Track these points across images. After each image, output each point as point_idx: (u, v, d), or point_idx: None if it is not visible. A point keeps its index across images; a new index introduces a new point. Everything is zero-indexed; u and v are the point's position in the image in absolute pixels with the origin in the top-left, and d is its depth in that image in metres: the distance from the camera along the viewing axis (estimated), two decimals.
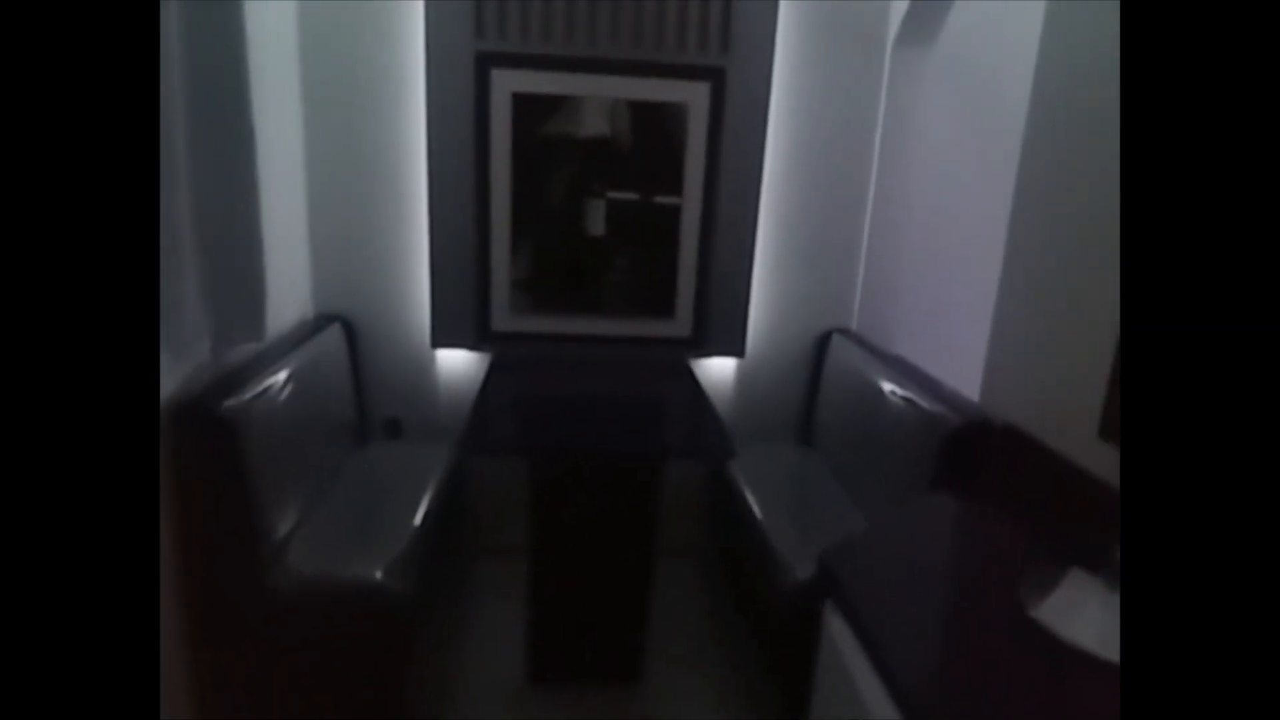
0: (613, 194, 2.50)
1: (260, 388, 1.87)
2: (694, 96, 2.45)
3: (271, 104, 2.11)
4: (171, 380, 1.65)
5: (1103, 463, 1.47)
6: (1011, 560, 1.38)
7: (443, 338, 2.54)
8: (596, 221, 2.52)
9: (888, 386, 2.17)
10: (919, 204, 2.63)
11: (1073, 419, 1.55)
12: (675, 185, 2.51)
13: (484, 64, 2.36)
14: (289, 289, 2.31)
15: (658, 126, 2.46)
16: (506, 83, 2.38)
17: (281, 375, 2.00)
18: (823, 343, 2.68)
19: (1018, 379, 1.78)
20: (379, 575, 1.81)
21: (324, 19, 2.32)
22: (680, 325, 2.61)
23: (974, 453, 1.80)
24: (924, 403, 1.97)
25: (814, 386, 2.68)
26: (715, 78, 2.43)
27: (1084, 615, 1.14)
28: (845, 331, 2.66)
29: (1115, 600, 1.16)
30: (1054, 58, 1.68)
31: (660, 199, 2.52)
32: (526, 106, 2.41)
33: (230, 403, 1.71)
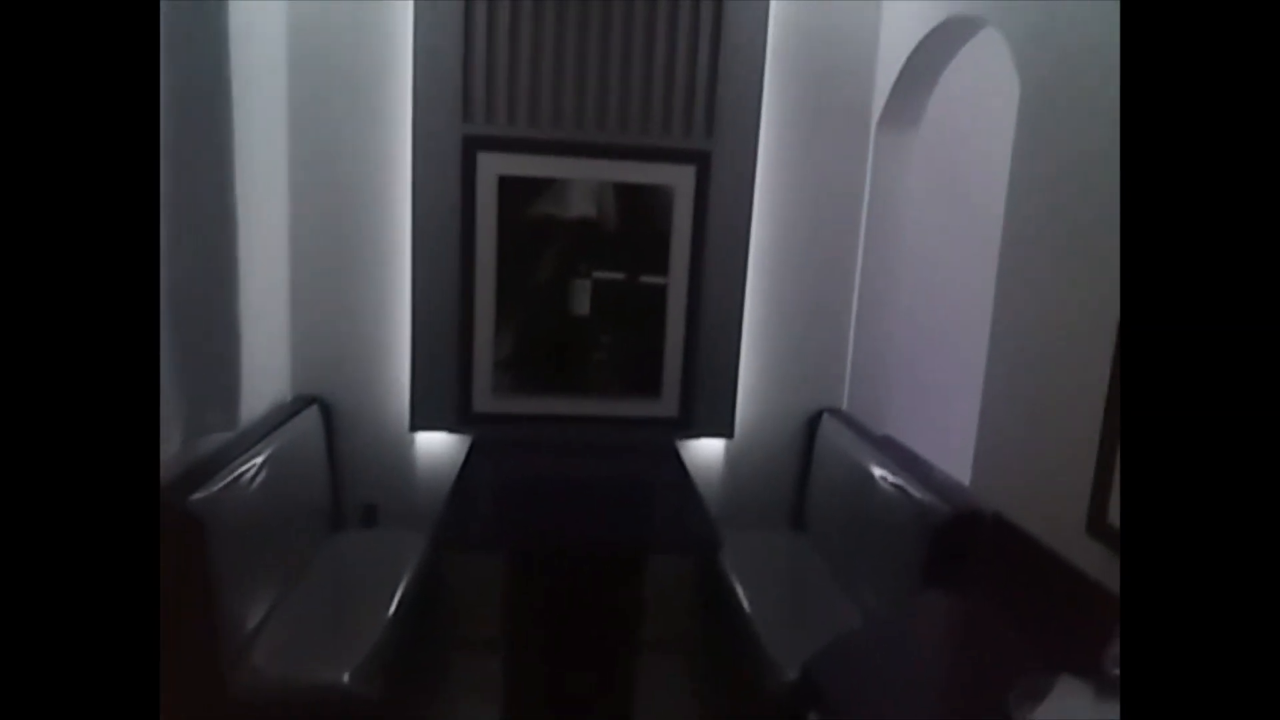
0: (599, 274, 2.49)
1: (231, 477, 1.80)
2: (679, 179, 2.46)
3: (257, 182, 2.11)
4: None
5: (1093, 560, 1.42)
6: (1002, 667, 1.31)
7: (422, 420, 2.49)
8: (582, 301, 2.50)
9: (878, 471, 2.12)
10: (906, 283, 2.63)
11: (1062, 513, 1.50)
12: (661, 265, 2.51)
13: (471, 147, 2.37)
14: (267, 369, 2.27)
15: (644, 208, 2.47)
16: (493, 166, 2.39)
17: (255, 462, 1.94)
18: (813, 423, 2.63)
19: (1006, 468, 1.74)
20: (346, 679, 1.71)
21: (312, 99, 2.34)
22: (667, 405, 2.57)
23: (965, 545, 1.75)
24: (915, 491, 1.91)
25: (805, 469, 2.62)
26: (700, 161, 2.45)
27: None
28: (836, 411, 2.62)
29: (1106, 709, 1.10)
30: (1031, 142, 1.69)
31: (646, 279, 2.51)
32: (513, 189, 2.41)
33: (198, 496, 1.65)
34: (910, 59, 2.27)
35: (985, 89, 2.41)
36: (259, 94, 2.13)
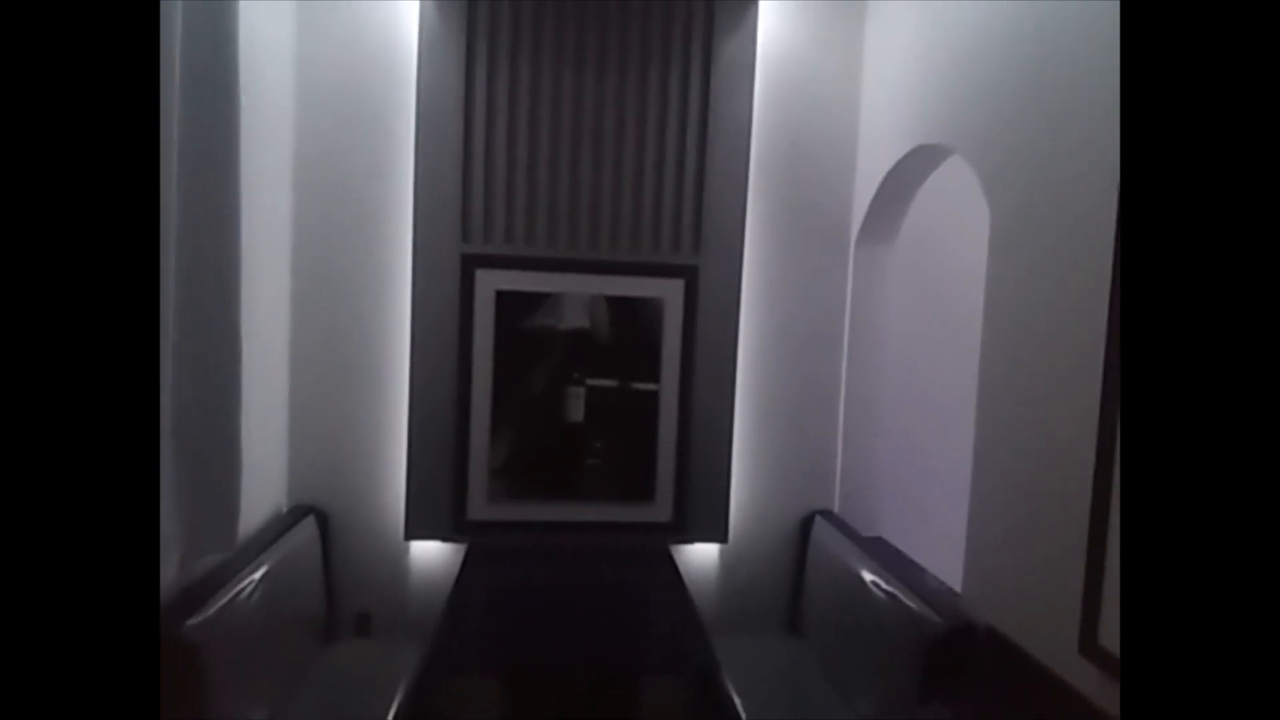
0: (592, 381, 2.57)
1: (227, 597, 1.81)
2: (669, 292, 2.57)
3: (261, 296, 2.19)
4: None
5: (1087, 680, 1.44)
6: None
7: (417, 528, 2.51)
8: (576, 408, 2.57)
9: (870, 578, 2.15)
10: (890, 387, 2.71)
11: (1053, 630, 1.53)
12: (653, 373, 2.58)
13: (469, 265, 2.48)
14: (265, 479, 2.30)
15: (635, 319, 2.56)
16: (491, 282, 2.50)
17: (252, 579, 1.95)
18: (806, 525, 2.66)
19: (996, 581, 1.77)
20: None
21: (317, 219, 2.46)
22: (660, 510, 2.60)
23: (960, 659, 1.76)
24: (909, 601, 1.94)
25: (799, 572, 2.64)
26: (689, 275, 2.56)
27: None
28: (827, 514, 2.66)
29: None
30: (1002, 264, 1.79)
31: (639, 386, 2.58)
32: (509, 303, 2.51)
33: (194, 621, 1.65)
34: (885, 180, 2.42)
35: (960, 204, 2.55)
36: (265, 217, 2.24)
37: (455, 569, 2.40)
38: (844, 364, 2.67)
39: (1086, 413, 1.47)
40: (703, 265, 2.57)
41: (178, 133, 1.58)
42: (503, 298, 2.51)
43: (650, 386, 2.59)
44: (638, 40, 2.48)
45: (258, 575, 1.98)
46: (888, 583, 2.06)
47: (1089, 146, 1.49)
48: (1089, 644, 1.42)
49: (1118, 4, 1.41)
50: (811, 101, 2.62)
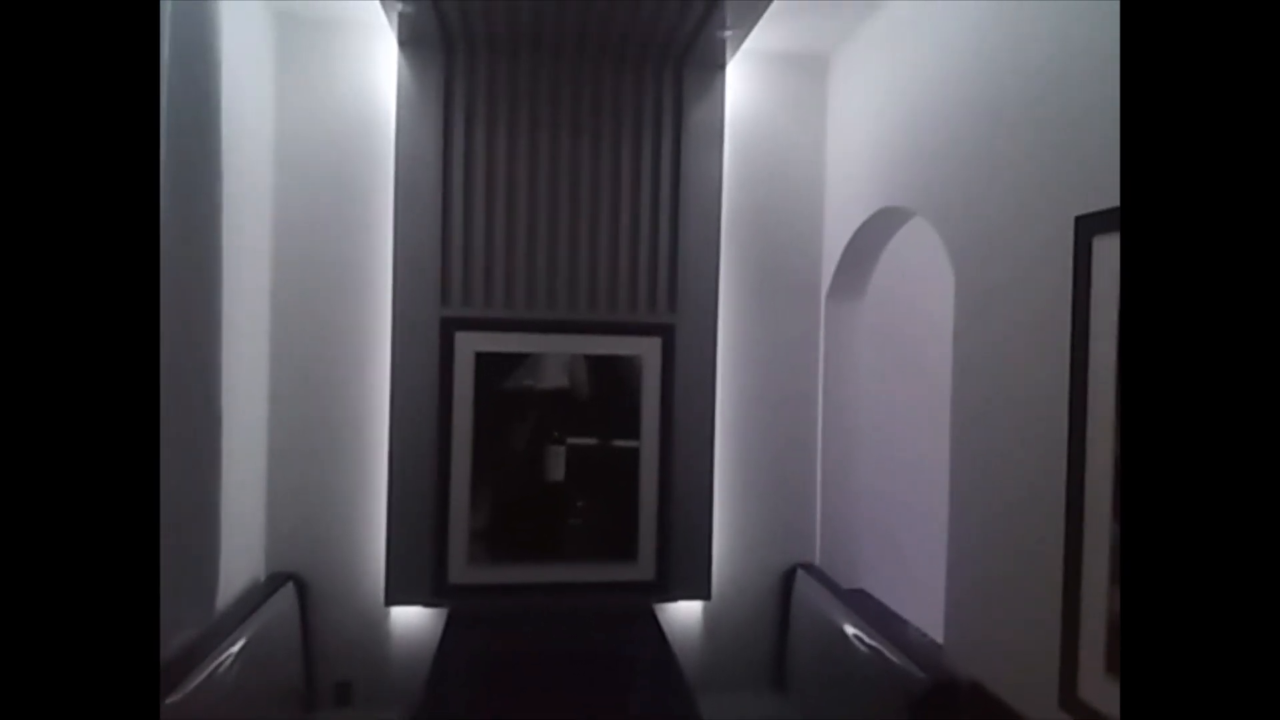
0: (572, 440, 2.59)
1: (205, 673, 1.78)
2: (647, 350, 2.61)
3: (241, 363, 2.20)
4: None
5: None
6: None
7: (398, 593, 2.48)
8: (556, 467, 2.58)
9: (853, 631, 2.16)
10: (866, 438, 2.75)
11: (1034, 682, 1.55)
12: (633, 430, 2.61)
13: (449, 327, 2.51)
14: (243, 547, 2.28)
15: (614, 377, 2.60)
16: (470, 343, 2.53)
17: (230, 652, 1.92)
18: (788, 579, 2.67)
19: (977, 631, 1.79)
20: None
21: (295, 280, 2.49)
22: (643, 569, 2.60)
23: (943, 714, 1.77)
24: (891, 655, 1.95)
25: (782, 628, 2.64)
26: (665, 333, 2.61)
27: None
28: (809, 566, 2.67)
29: None
30: (968, 321, 1.86)
31: (619, 443, 2.61)
32: (489, 364, 2.54)
33: (172, 700, 1.63)
34: (852, 239, 2.50)
35: (928, 259, 2.63)
36: (245, 282, 2.26)
37: (437, 634, 2.38)
38: (819, 417, 2.72)
39: (1054, 463, 1.51)
40: (679, 323, 2.62)
41: (163, 203, 1.61)
42: (482, 359, 2.53)
43: (630, 444, 2.61)
44: (611, 106, 2.56)
45: (236, 648, 1.95)
46: (870, 636, 2.08)
47: (1047, 207, 1.56)
48: (1069, 697, 1.45)
49: (1073, 64, 1.50)
50: (779, 164, 2.71)
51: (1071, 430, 1.47)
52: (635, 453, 2.61)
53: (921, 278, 2.75)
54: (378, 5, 2.21)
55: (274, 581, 2.38)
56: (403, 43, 2.44)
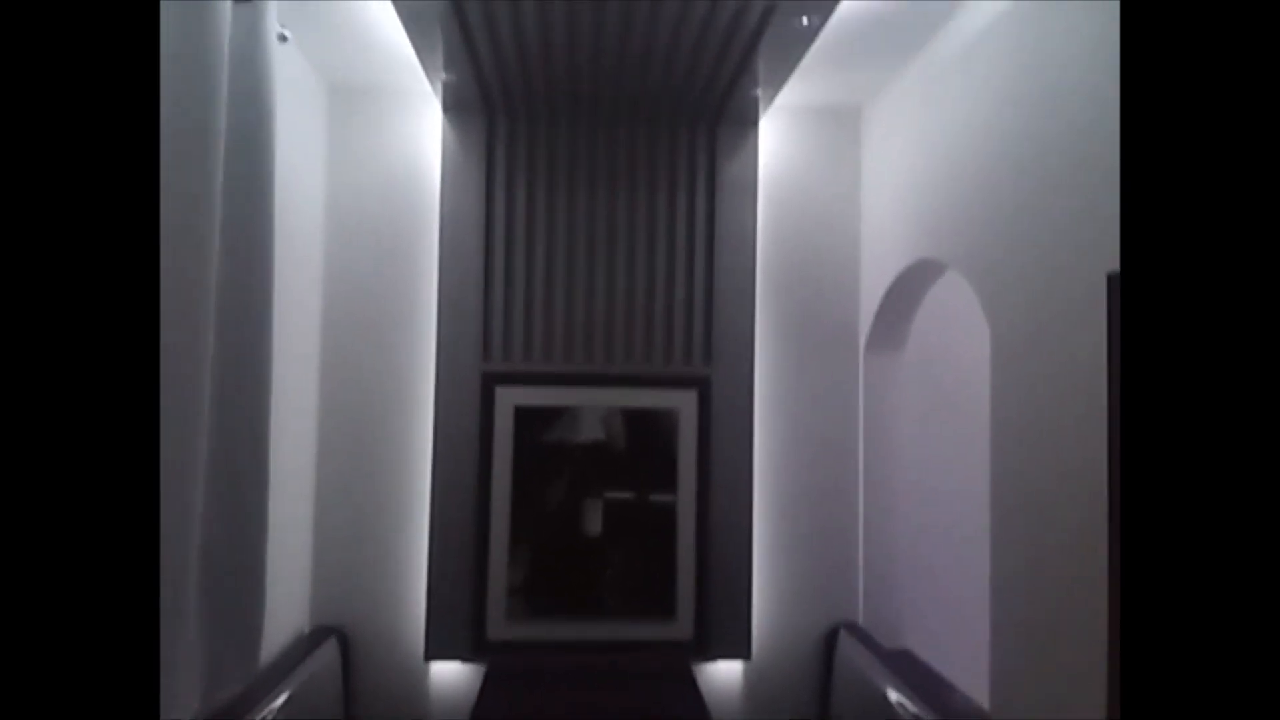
0: (609, 494, 2.59)
1: None
2: (683, 403, 2.61)
3: (288, 417, 2.26)
4: None
5: None
6: None
7: (437, 649, 2.49)
8: (594, 521, 2.58)
9: (896, 697, 2.08)
10: (908, 493, 2.69)
11: None
12: (670, 484, 2.60)
13: (489, 382, 2.56)
14: (288, 600, 2.32)
15: (651, 430, 2.60)
16: (510, 398, 2.57)
17: (272, 707, 1.94)
18: (830, 639, 2.60)
19: (1024, 695, 1.72)
20: None
21: (344, 339, 2.57)
22: (682, 628, 2.56)
23: None
24: None
25: (824, 691, 2.56)
26: (702, 385, 2.61)
27: None
28: (852, 626, 2.60)
29: None
30: (1005, 375, 1.82)
31: (656, 497, 2.60)
32: (528, 418, 2.57)
33: None
34: (889, 291, 2.48)
35: (967, 308, 2.59)
36: (295, 340, 2.34)
37: (475, 690, 2.38)
38: (860, 469, 2.67)
39: (1098, 518, 1.46)
40: (715, 376, 2.62)
41: (216, 262, 1.68)
42: (521, 413, 2.57)
43: (668, 498, 2.60)
44: (646, 163, 2.62)
45: (279, 702, 1.98)
46: (913, 703, 2.00)
47: (1079, 263, 1.54)
48: None
49: (1106, 119, 1.48)
50: (815, 216, 2.72)
51: (1111, 489, 1.42)
52: (672, 507, 2.60)
53: (963, 327, 2.70)
54: (423, 75, 2.32)
55: (317, 636, 2.42)
56: (447, 109, 2.55)
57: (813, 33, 1.92)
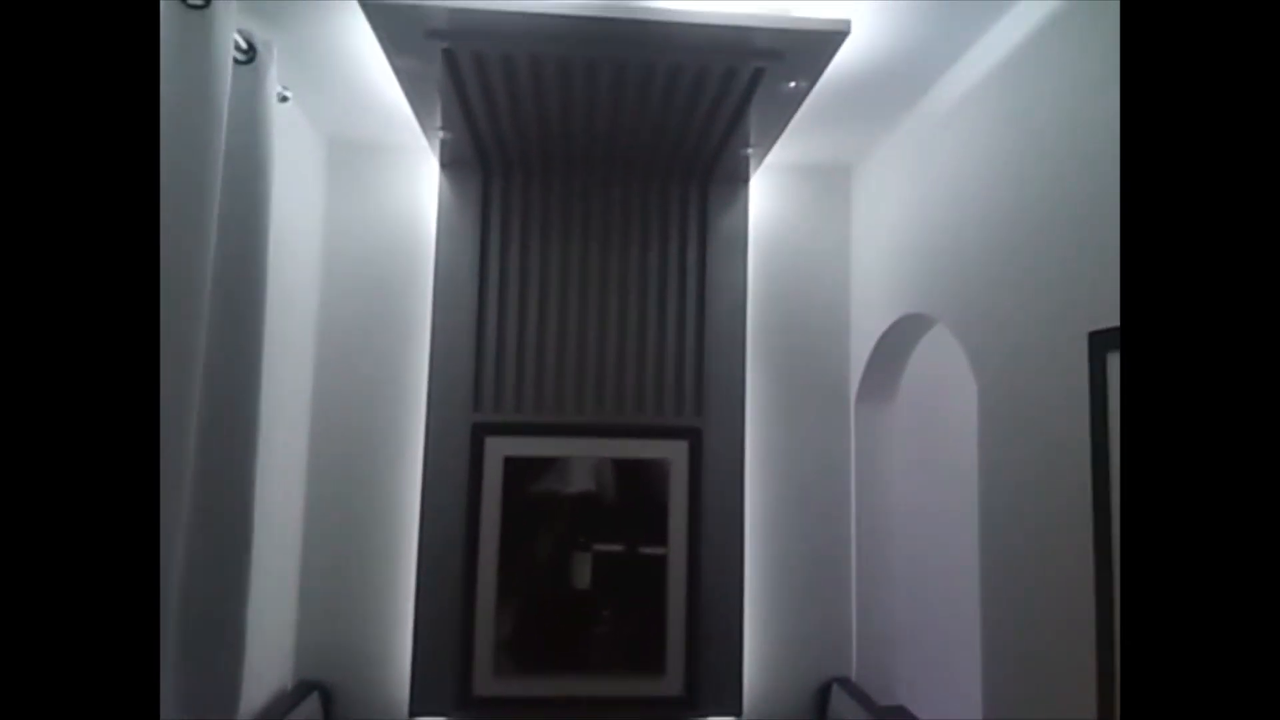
0: (599, 546, 2.57)
1: None
2: (674, 453, 2.61)
3: (277, 474, 2.26)
4: None
5: None
6: None
7: (422, 705, 2.44)
8: (583, 575, 2.55)
9: None
10: (901, 546, 2.68)
11: None
12: (661, 536, 2.58)
13: (479, 433, 2.56)
14: (270, 655, 2.29)
15: (642, 481, 2.60)
16: (500, 448, 2.56)
17: None
18: (823, 695, 2.57)
19: None
20: None
21: (336, 390, 2.58)
22: (672, 683, 2.52)
23: None
24: None
25: None
26: (692, 436, 2.62)
27: None
28: (845, 681, 2.56)
29: None
30: (993, 428, 1.83)
31: (646, 550, 2.58)
32: (518, 469, 2.56)
33: None
34: (879, 343, 2.51)
35: (958, 360, 2.62)
36: (285, 389, 2.35)
37: None
38: (853, 523, 2.66)
39: (1086, 575, 1.46)
40: (706, 426, 2.63)
41: (207, 316, 1.69)
42: (511, 464, 2.56)
43: (658, 550, 2.58)
44: (638, 219, 2.67)
45: None
46: None
47: (1062, 320, 1.56)
48: None
49: (1090, 177, 1.52)
50: (805, 270, 2.77)
51: (1098, 542, 1.42)
52: (663, 560, 2.58)
53: (954, 378, 2.72)
54: (421, 133, 2.37)
55: (300, 691, 2.37)
56: (444, 165, 2.60)
57: (801, 95, 1.98)
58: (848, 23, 1.67)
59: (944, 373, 2.76)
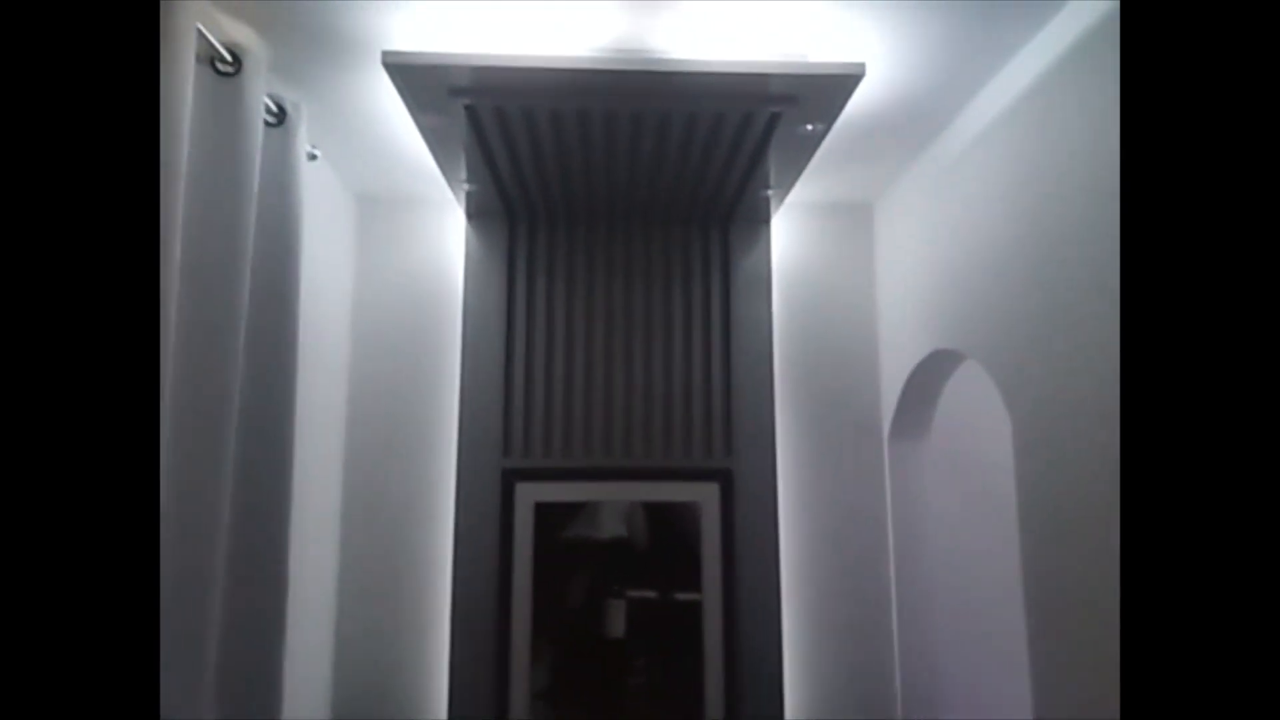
0: (632, 593, 2.53)
1: None
2: (705, 495, 2.58)
3: (308, 523, 2.27)
4: None
5: None
6: None
7: None
8: (617, 623, 2.52)
9: None
10: (942, 584, 2.61)
11: None
12: (694, 581, 2.54)
13: (509, 479, 2.56)
14: (307, 706, 2.27)
15: (673, 524, 2.57)
16: (530, 494, 2.56)
17: None
18: None
19: None
20: None
21: (367, 440, 2.62)
22: None
23: None
24: None
25: None
26: (723, 478, 2.59)
27: None
28: None
29: None
30: (1029, 464, 1.78)
31: (680, 595, 2.54)
32: (548, 514, 2.55)
33: None
34: (910, 380, 2.47)
35: (982, 401, 2.57)
36: (317, 440, 2.38)
37: None
38: (892, 563, 2.60)
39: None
40: (736, 467, 2.60)
41: (241, 366, 1.72)
42: (542, 509, 2.55)
43: (693, 596, 2.54)
44: (661, 263, 2.68)
45: None
46: None
47: (1096, 346, 1.53)
48: None
49: (1115, 207, 1.50)
50: (830, 309, 2.75)
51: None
52: (698, 606, 2.53)
53: (988, 412, 2.67)
54: (446, 186, 2.42)
55: None
56: (470, 215, 2.65)
57: (819, 137, 1.99)
58: (862, 65, 1.68)
59: (978, 407, 2.71)
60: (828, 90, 1.75)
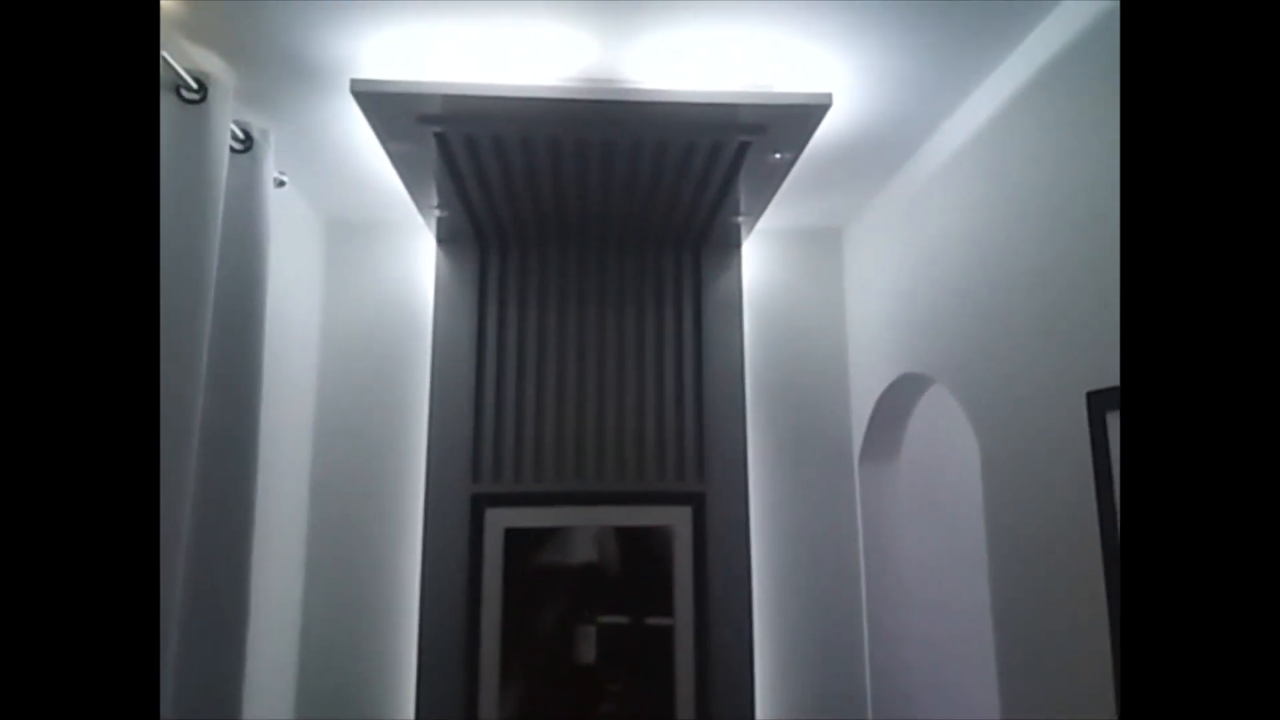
0: (603, 618, 2.51)
1: None
2: (677, 519, 2.58)
3: (275, 550, 2.23)
4: None
5: None
6: None
7: None
8: (587, 649, 2.50)
9: None
10: (912, 605, 2.62)
11: None
12: (666, 606, 2.53)
13: (479, 504, 2.53)
14: None
15: (645, 549, 2.56)
16: (500, 520, 2.53)
17: None
18: None
19: None
20: None
21: (334, 462, 2.58)
22: None
23: None
24: None
25: None
26: (695, 501, 2.59)
27: None
28: None
29: None
30: (995, 473, 1.81)
31: (652, 620, 2.52)
32: (518, 540, 2.53)
33: None
34: (879, 403, 2.50)
35: (955, 417, 2.61)
36: (285, 464, 2.34)
37: None
38: (863, 584, 2.61)
39: (1097, 625, 1.42)
40: (709, 490, 2.60)
41: (202, 397, 1.69)
42: (511, 535, 2.53)
43: (664, 621, 2.52)
44: (633, 285, 2.69)
45: None
46: None
47: (1060, 379, 1.56)
48: None
49: (1083, 233, 1.53)
50: (801, 333, 2.78)
51: (1110, 593, 1.39)
52: (669, 631, 2.52)
53: (955, 435, 2.71)
54: (416, 211, 2.41)
55: None
56: (440, 240, 2.64)
57: (787, 166, 2.01)
58: (829, 96, 1.71)
59: (946, 430, 2.75)
60: (795, 120, 1.77)
